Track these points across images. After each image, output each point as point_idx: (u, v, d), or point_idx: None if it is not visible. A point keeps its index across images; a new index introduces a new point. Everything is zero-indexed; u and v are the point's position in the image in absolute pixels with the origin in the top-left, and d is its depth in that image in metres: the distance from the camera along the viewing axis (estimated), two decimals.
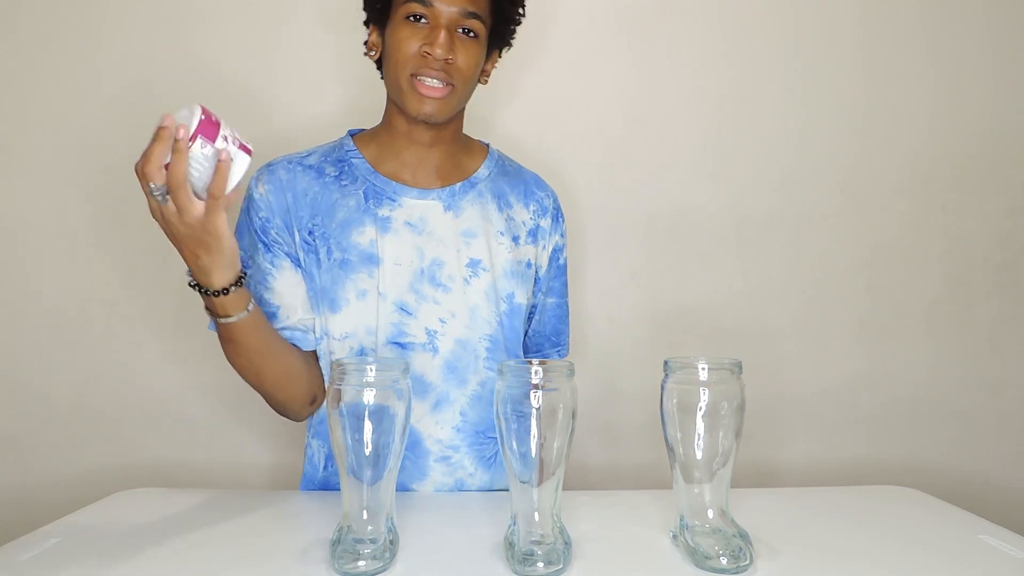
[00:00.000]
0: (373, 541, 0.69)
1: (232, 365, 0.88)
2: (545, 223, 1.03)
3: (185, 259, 0.78)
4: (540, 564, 0.67)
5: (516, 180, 1.03)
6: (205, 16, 1.42)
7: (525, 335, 1.09)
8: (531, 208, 1.02)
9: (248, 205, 0.95)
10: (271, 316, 0.93)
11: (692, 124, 1.50)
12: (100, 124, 1.41)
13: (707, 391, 0.72)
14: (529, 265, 1.01)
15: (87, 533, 0.79)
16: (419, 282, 0.94)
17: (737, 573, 0.68)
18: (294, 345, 0.95)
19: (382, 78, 0.98)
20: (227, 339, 0.85)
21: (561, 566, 0.68)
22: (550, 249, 1.05)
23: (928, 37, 1.53)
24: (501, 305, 0.97)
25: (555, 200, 1.07)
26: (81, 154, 1.41)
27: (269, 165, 0.96)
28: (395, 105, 0.95)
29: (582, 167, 1.48)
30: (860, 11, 1.52)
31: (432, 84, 0.88)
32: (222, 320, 0.81)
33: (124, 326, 1.42)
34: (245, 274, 0.81)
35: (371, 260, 0.92)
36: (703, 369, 0.72)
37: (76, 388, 1.42)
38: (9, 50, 1.40)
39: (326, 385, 0.96)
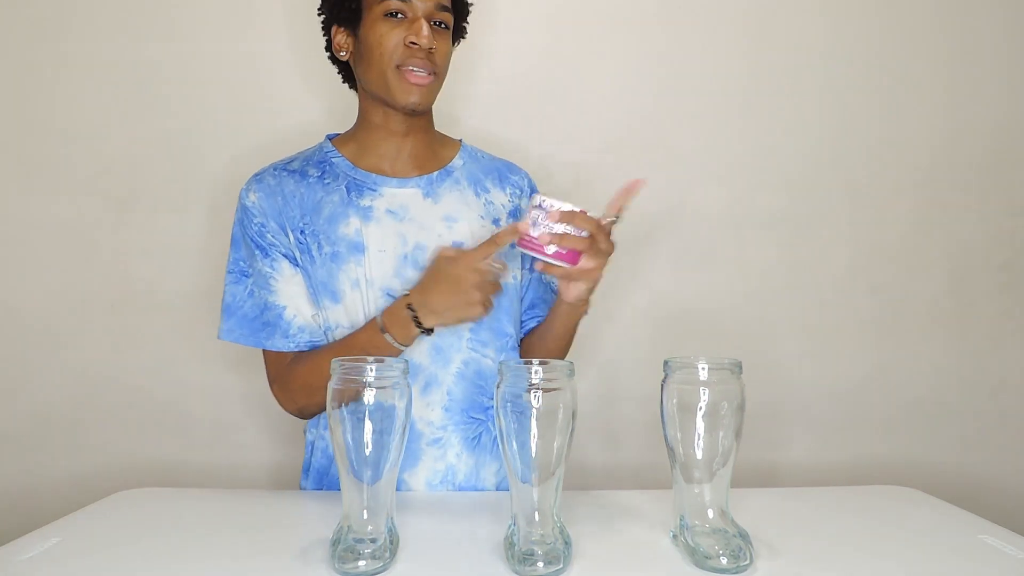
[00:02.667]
0: (373, 541, 0.69)
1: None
2: (525, 203, 1.09)
3: (451, 305, 0.87)
4: (540, 564, 0.67)
5: (490, 167, 1.09)
6: (204, 17, 1.42)
7: (526, 312, 1.12)
8: (507, 191, 1.08)
9: (241, 215, 0.99)
10: (279, 317, 0.96)
11: (693, 124, 1.50)
12: (99, 124, 1.41)
13: (707, 391, 0.72)
14: (513, 245, 1.03)
15: (87, 533, 0.79)
16: (403, 267, 0.97)
17: (737, 573, 0.68)
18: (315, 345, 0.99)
19: (344, 80, 1.08)
20: None
21: (561, 566, 0.68)
22: None
23: (928, 37, 1.53)
24: None
25: (530, 181, 1.13)
26: (81, 154, 1.41)
27: (257, 174, 1.00)
28: (371, 99, 1.00)
29: (582, 167, 1.48)
30: (860, 12, 1.51)
31: (420, 74, 0.94)
32: (401, 346, 0.90)
33: (124, 326, 1.42)
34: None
35: (358, 249, 0.96)
36: (703, 369, 0.72)
37: (76, 388, 1.42)
38: (8, 50, 1.40)
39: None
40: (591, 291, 0.94)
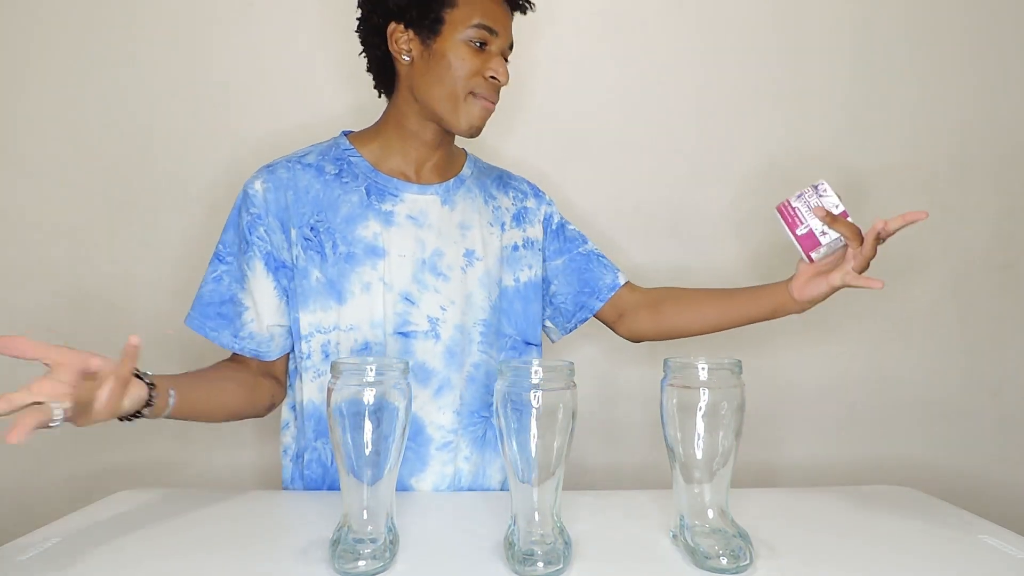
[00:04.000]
0: (373, 541, 0.69)
1: None
2: (530, 203, 1.12)
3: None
4: (540, 564, 0.67)
5: (492, 175, 1.12)
6: (205, 16, 1.42)
7: (557, 310, 1.14)
8: (511, 195, 1.11)
9: (240, 202, 0.97)
10: (237, 315, 0.95)
11: (692, 124, 1.50)
12: (100, 124, 1.41)
13: (707, 391, 0.72)
14: (516, 248, 1.07)
15: (87, 533, 0.79)
16: (421, 272, 0.98)
17: (737, 573, 0.68)
18: (256, 358, 0.97)
19: (370, 69, 1.03)
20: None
21: (561, 566, 0.68)
22: (541, 218, 1.13)
23: (928, 37, 1.53)
24: (494, 291, 1.03)
25: (528, 183, 1.16)
26: (81, 154, 1.41)
27: (269, 165, 0.99)
28: (415, 107, 0.99)
29: (582, 167, 1.48)
30: (860, 11, 1.52)
31: (489, 103, 0.97)
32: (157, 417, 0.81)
33: (124, 326, 1.42)
34: (152, 392, 0.78)
35: (376, 253, 0.96)
36: (703, 369, 0.72)
37: None
38: (9, 50, 1.40)
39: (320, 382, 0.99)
40: (824, 297, 0.97)
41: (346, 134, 1.05)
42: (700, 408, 0.72)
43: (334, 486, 1.01)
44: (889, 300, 1.53)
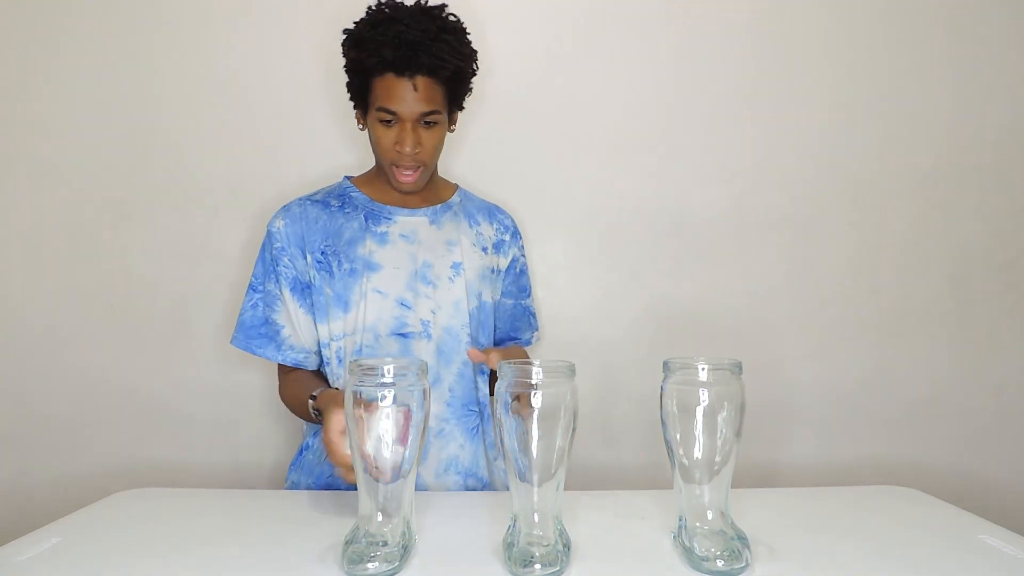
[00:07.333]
0: (384, 544, 0.69)
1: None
2: (507, 237, 1.25)
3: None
4: (538, 567, 0.67)
5: (481, 206, 1.25)
6: (205, 16, 1.42)
7: (503, 336, 1.28)
8: (494, 226, 1.24)
9: (265, 240, 1.11)
10: (276, 334, 1.09)
11: (692, 124, 1.50)
12: (100, 124, 1.41)
13: (707, 391, 0.71)
14: (493, 271, 1.21)
15: (87, 533, 0.79)
16: (414, 281, 1.10)
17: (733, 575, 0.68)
18: (298, 367, 1.10)
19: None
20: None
21: (558, 568, 0.68)
22: (509, 258, 1.26)
23: (929, 38, 1.53)
24: (473, 301, 1.15)
25: (513, 222, 1.28)
26: (81, 154, 1.41)
27: (285, 206, 1.13)
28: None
29: (582, 167, 1.48)
30: (862, 12, 1.51)
31: (407, 173, 1.07)
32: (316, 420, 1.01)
33: (124, 326, 1.42)
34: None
35: (371, 267, 1.09)
36: (703, 369, 0.72)
37: (76, 388, 1.42)
38: (9, 50, 1.40)
39: (338, 385, 1.08)
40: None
41: (348, 178, 1.19)
42: (700, 409, 0.72)
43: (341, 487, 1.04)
44: (889, 300, 1.53)
